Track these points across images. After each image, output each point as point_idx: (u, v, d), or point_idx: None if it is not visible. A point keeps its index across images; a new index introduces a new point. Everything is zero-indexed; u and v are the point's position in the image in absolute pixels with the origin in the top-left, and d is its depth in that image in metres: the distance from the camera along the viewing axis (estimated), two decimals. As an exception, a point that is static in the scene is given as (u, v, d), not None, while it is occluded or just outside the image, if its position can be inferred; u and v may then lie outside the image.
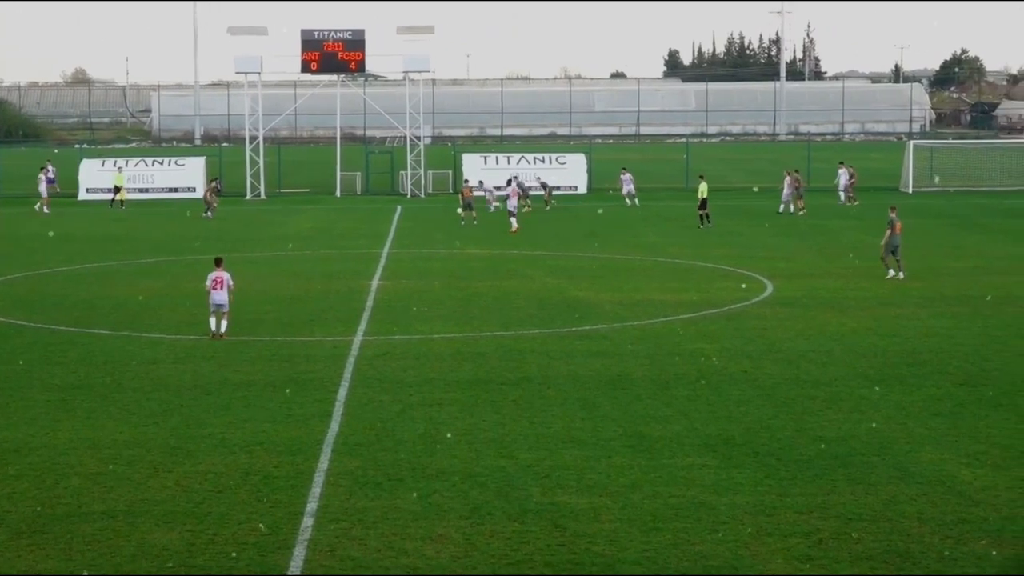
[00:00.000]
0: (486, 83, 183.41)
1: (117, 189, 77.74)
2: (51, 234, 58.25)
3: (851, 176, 75.07)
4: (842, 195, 74.42)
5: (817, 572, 17.10)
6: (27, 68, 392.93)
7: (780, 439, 23.57)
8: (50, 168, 78.07)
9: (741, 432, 24.06)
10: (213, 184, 74.72)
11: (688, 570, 17.17)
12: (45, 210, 72.78)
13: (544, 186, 75.03)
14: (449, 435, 23.66)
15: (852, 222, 63.72)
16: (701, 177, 64.18)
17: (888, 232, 42.26)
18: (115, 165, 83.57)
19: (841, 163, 77.47)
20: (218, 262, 33.54)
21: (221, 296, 32.70)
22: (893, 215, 42.35)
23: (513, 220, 60.34)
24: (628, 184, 75.96)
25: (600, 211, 69.99)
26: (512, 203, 61.66)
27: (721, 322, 35.98)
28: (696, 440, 23.52)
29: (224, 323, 33.01)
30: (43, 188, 74.56)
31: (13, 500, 20.33)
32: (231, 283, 33.13)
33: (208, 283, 32.88)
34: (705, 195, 61.78)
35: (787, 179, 69.14)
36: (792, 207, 67.99)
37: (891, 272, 42.35)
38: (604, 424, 24.71)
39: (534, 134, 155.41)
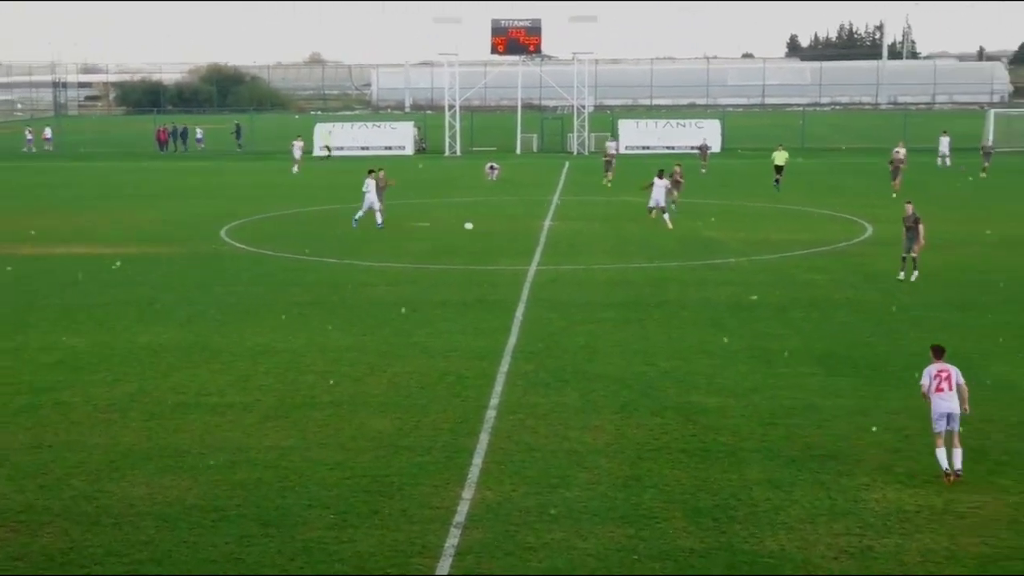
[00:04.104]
0: (639, 62, 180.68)
1: (328, 148, 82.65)
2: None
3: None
4: (939, 160, 68.95)
5: (904, 462, 16.82)
6: (273, 51, 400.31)
7: (877, 354, 23.15)
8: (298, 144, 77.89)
9: (844, 348, 23.68)
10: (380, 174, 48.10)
11: (797, 457, 17.01)
12: (296, 170, 72.71)
13: (702, 149, 71.01)
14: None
15: (945, 177, 61.89)
16: (780, 146, 59.63)
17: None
18: (328, 130, 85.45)
19: (944, 131, 73.21)
20: None
21: (951, 404, 16.25)
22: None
23: (665, 217, 42.04)
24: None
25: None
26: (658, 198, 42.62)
27: (829, 257, 35.38)
28: (807, 354, 23.21)
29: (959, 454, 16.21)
30: (297, 154, 74.34)
31: (263, 391, 20.86)
32: (962, 383, 16.46)
33: (925, 381, 16.49)
34: (780, 162, 56.75)
35: (944, 139, 68.71)
36: (949, 162, 67.60)
37: None
38: (731, 339, 24.49)
39: (677, 103, 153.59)
